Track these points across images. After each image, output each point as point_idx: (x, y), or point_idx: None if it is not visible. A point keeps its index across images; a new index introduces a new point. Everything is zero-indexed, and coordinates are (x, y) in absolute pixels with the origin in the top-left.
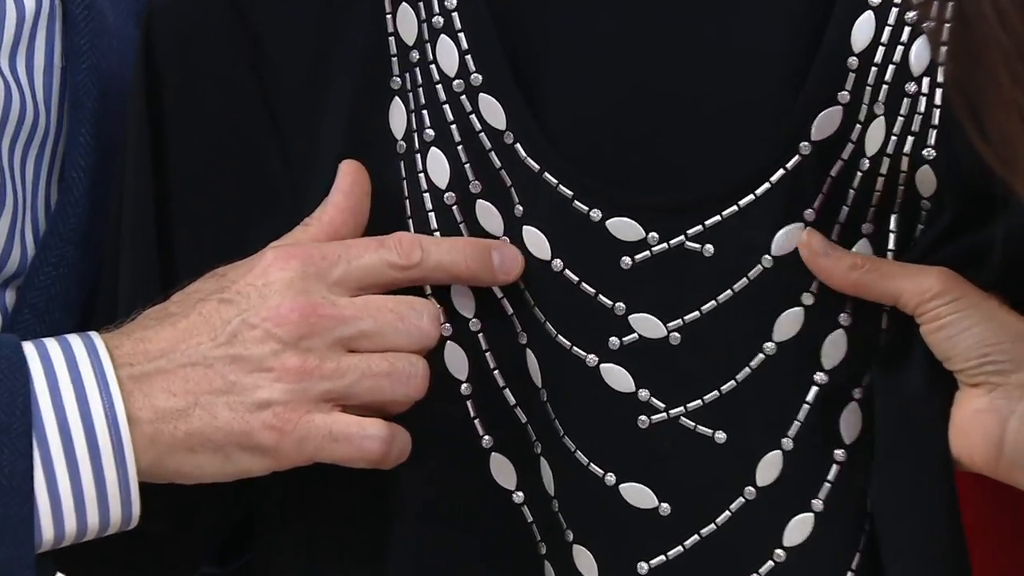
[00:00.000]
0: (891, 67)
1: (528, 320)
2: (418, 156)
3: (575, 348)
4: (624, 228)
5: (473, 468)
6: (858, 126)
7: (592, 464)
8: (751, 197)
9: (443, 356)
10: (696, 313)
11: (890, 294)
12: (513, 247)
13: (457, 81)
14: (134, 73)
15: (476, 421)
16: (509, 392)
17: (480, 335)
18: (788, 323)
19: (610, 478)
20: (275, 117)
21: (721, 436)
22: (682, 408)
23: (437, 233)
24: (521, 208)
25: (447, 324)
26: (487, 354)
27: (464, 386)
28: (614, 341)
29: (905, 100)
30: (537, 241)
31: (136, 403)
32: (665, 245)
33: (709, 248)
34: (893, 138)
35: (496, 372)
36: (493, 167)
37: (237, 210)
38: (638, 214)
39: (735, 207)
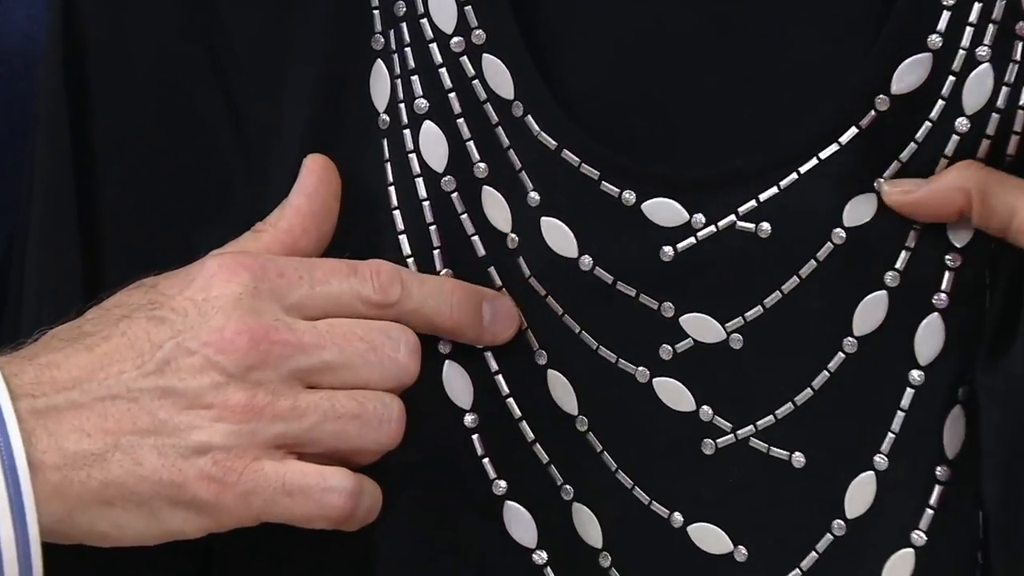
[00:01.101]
0: (1000, 1)
1: (553, 334)
2: (407, 133)
3: (621, 362)
4: (663, 211)
5: (482, 521)
6: (951, 78)
7: (655, 503)
8: (814, 162)
9: (440, 379)
10: (758, 308)
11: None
12: (510, 303)
13: (456, 39)
14: (47, 38)
15: (485, 461)
16: (527, 425)
17: (487, 354)
18: (870, 311)
19: (677, 518)
20: (227, 88)
21: (800, 459)
22: (751, 427)
23: (432, 228)
24: (537, 195)
25: (445, 341)
26: (497, 378)
27: (468, 417)
28: (666, 350)
29: (1019, 44)
30: (559, 235)
31: (40, 444)
32: (713, 228)
33: (766, 227)
34: (1004, 90)
35: (510, 400)
36: (500, 146)
37: (179, 204)
38: (679, 193)
39: (794, 175)
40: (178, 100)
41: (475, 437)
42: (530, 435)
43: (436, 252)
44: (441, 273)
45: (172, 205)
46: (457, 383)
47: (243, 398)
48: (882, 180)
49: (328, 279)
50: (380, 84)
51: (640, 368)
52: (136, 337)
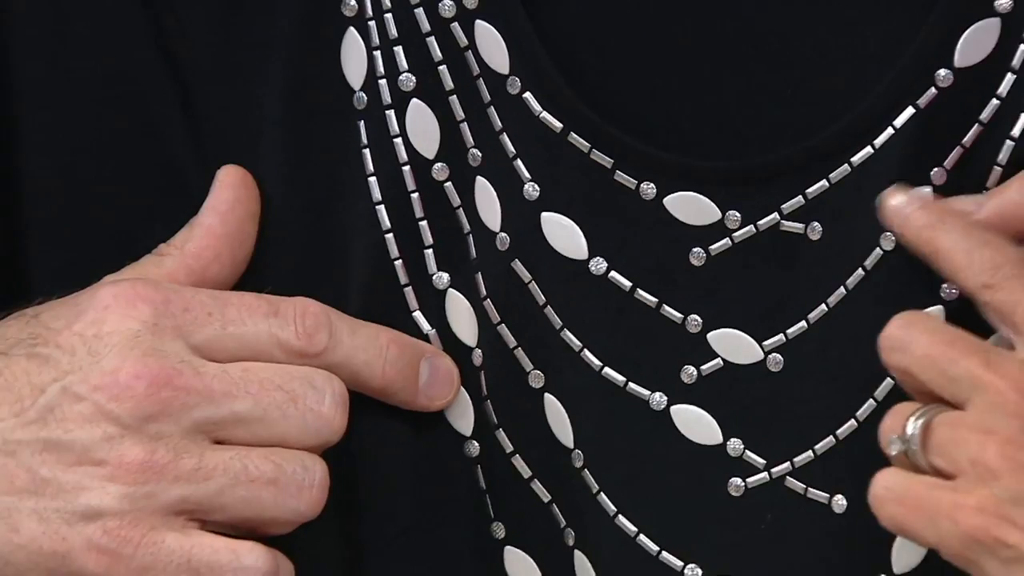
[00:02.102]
0: None
1: (549, 351)
2: (391, 113)
3: (632, 385)
4: (692, 207)
5: (481, 569)
6: (1022, 47)
7: (665, 553)
8: (868, 151)
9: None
10: (802, 324)
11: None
12: (450, 363)
13: (446, 2)
14: None
15: (487, 497)
16: (521, 460)
17: (482, 374)
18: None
19: (692, 573)
20: (174, 63)
21: (841, 502)
22: (788, 464)
23: (423, 224)
24: (535, 188)
25: (447, 359)
26: (487, 403)
27: (470, 445)
28: (689, 372)
29: None
30: (565, 234)
31: None
32: (751, 228)
33: (816, 227)
34: None
35: (500, 432)
36: (493, 129)
37: (116, 201)
38: (709, 186)
39: (846, 167)
40: (115, 78)
41: (479, 469)
42: (526, 471)
43: (429, 253)
44: (436, 278)
45: (109, 203)
46: (457, 405)
47: (140, 454)
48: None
49: (243, 318)
50: (354, 56)
51: (656, 393)
52: (13, 378)
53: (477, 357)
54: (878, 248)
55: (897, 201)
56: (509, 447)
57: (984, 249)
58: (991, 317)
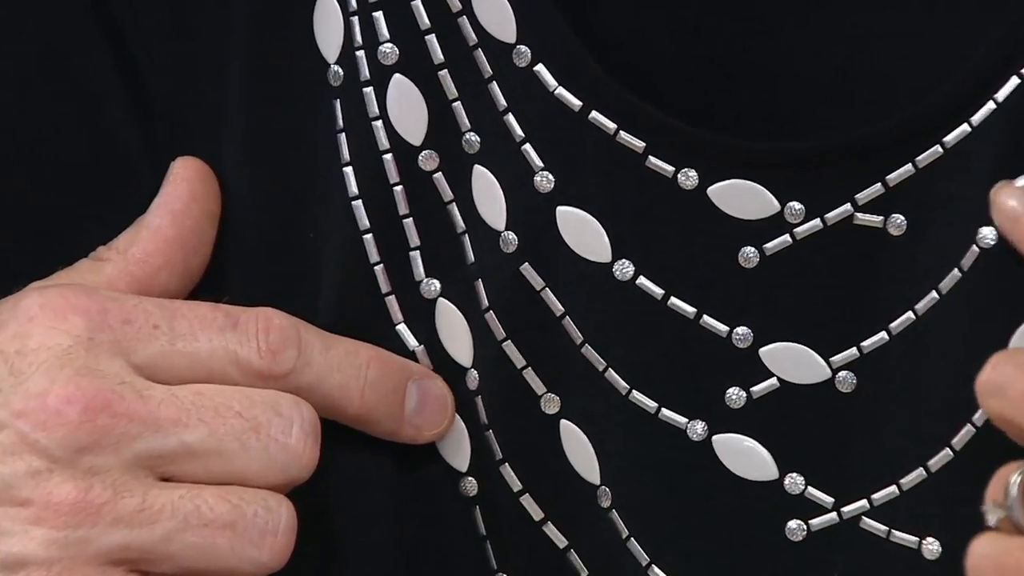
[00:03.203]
0: None
1: (568, 371)
2: (369, 91)
3: (665, 412)
4: (743, 198)
5: None
6: None
7: None
8: (965, 129)
9: None
10: (881, 336)
11: None
12: (442, 386)
13: None
14: None
15: (488, 544)
16: (532, 500)
17: (478, 399)
18: None
19: None
20: (116, 32)
21: (934, 547)
22: (864, 502)
23: (408, 222)
24: (550, 177)
25: (439, 381)
26: (488, 434)
27: (467, 482)
28: (736, 395)
29: None
30: (584, 232)
31: None
32: (818, 222)
33: (899, 221)
34: None
35: (506, 467)
36: (495, 109)
37: (47, 195)
38: (766, 173)
39: (937, 148)
40: (50, 53)
41: (477, 511)
42: (538, 512)
43: (415, 256)
44: (424, 286)
45: (37, 194)
46: (453, 436)
47: (72, 492)
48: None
49: (195, 332)
50: (329, 24)
51: (695, 421)
52: None
53: (472, 380)
54: (975, 246)
55: (1008, 197)
56: (517, 485)
57: None
58: None
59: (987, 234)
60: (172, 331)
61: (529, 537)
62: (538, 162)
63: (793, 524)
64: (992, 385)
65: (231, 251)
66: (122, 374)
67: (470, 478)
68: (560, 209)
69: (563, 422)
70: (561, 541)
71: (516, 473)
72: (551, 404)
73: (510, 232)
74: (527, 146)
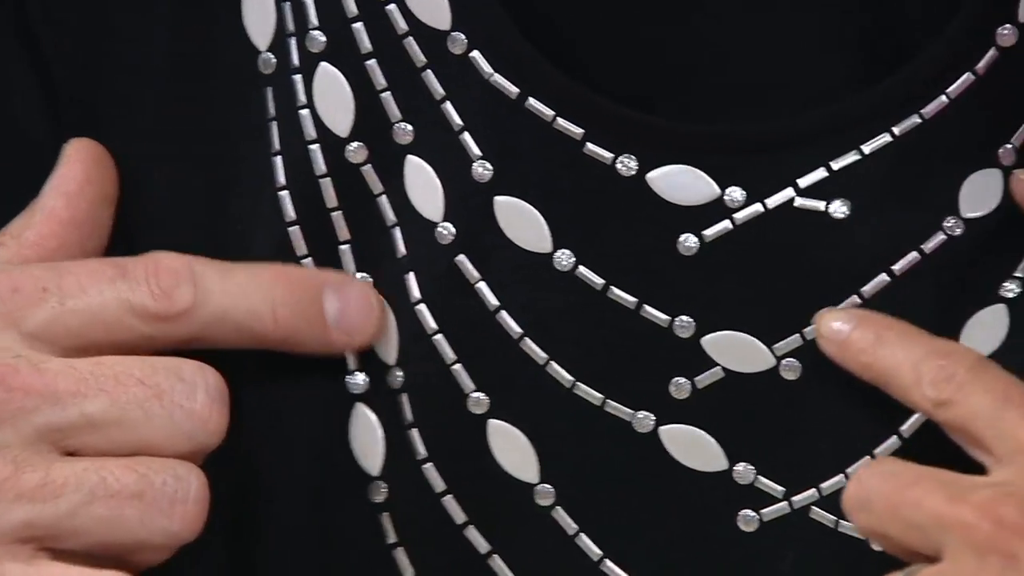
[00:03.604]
0: None
1: (503, 366)
2: (298, 79)
3: (611, 404)
4: (683, 184)
5: None
6: None
7: None
8: (915, 120)
9: (347, 431)
10: None
11: None
12: (363, 287)
13: None
14: None
15: (398, 552)
16: (454, 502)
17: (403, 397)
18: (982, 331)
19: None
20: (26, 23)
21: None
22: (813, 491)
23: (336, 215)
24: (488, 167)
25: (359, 373)
26: (411, 433)
27: (377, 487)
28: (681, 385)
29: None
30: (524, 222)
31: None
32: (759, 207)
33: (840, 208)
34: None
35: (429, 467)
36: (431, 97)
37: None
38: (706, 157)
39: (886, 136)
40: None
41: (386, 518)
42: (460, 515)
43: (344, 249)
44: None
45: None
46: (364, 437)
47: None
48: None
49: (84, 288)
50: (260, 10)
51: (641, 413)
52: None
53: (396, 379)
54: (941, 233)
55: (832, 324)
56: (440, 486)
57: (932, 360)
58: (956, 439)
59: (951, 222)
60: (61, 291)
61: (449, 542)
62: (476, 151)
63: (744, 514)
64: (857, 500)
65: (156, 244)
66: (15, 347)
67: (380, 483)
68: (498, 199)
69: (491, 421)
70: (483, 546)
71: (440, 473)
72: (478, 404)
73: (447, 223)
74: (465, 135)
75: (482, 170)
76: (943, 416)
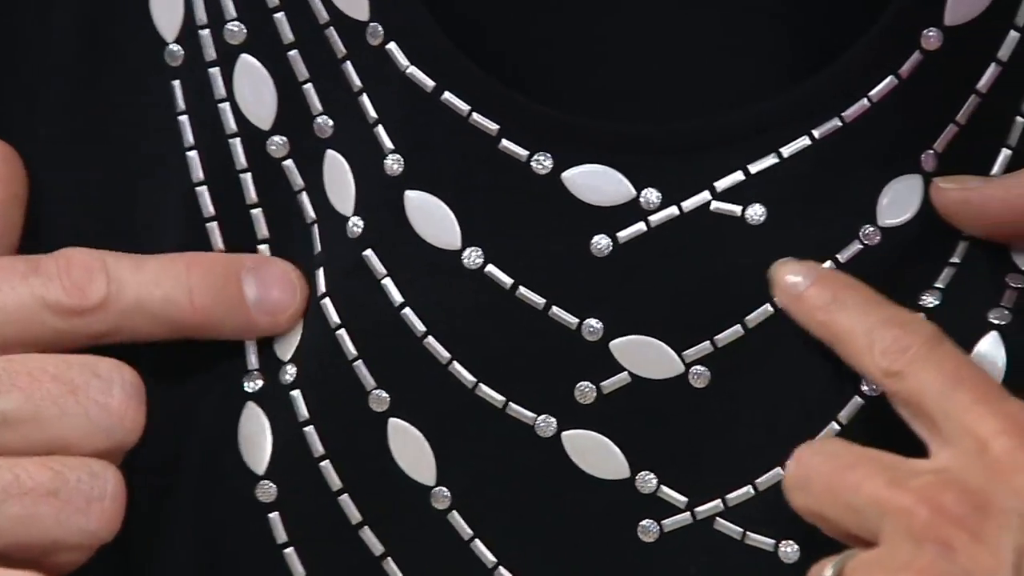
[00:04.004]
0: None
1: (404, 365)
2: (215, 72)
3: (513, 406)
4: (598, 184)
5: None
6: None
7: None
8: (835, 124)
9: (236, 431)
10: (736, 329)
11: None
12: (281, 265)
13: None
14: None
15: (288, 553)
16: (350, 501)
17: (296, 393)
18: None
19: None
20: None
21: (791, 550)
22: (718, 502)
23: (256, 212)
24: (399, 160)
25: (256, 372)
26: (307, 430)
27: (264, 486)
28: (587, 389)
29: None
30: (434, 218)
31: None
32: (675, 210)
33: (758, 211)
34: None
35: (326, 464)
36: (349, 90)
37: None
38: (623, 158)
39: (805, 139)
40: None
41: (276, 518)
42: (355, 515)
43: (264, 249)
44: None
45: None
46: (253, 436)
47: None
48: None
49: None
50: (167, 1)
51: (543, 416)
52: None
53: (288, 374)
54: (857, 242)
55: (788, 276)
56: (336, 484)
57: (887, 328)
58: (901, 412)
59: (868, 230)
60: None
61: (342, 543)
62: (389, 144)
63: (646, 524)
64: (796, 480)
65: (63, 246)
66: None
67: (267, 482)
68: (408, 193)
69: (392, 420)
70: (377, 548)
71: (337, 471)
72: (379, 402)
73: (357, 217)
74: (379, 128)
75: (394, 164)
76: (892, 387)
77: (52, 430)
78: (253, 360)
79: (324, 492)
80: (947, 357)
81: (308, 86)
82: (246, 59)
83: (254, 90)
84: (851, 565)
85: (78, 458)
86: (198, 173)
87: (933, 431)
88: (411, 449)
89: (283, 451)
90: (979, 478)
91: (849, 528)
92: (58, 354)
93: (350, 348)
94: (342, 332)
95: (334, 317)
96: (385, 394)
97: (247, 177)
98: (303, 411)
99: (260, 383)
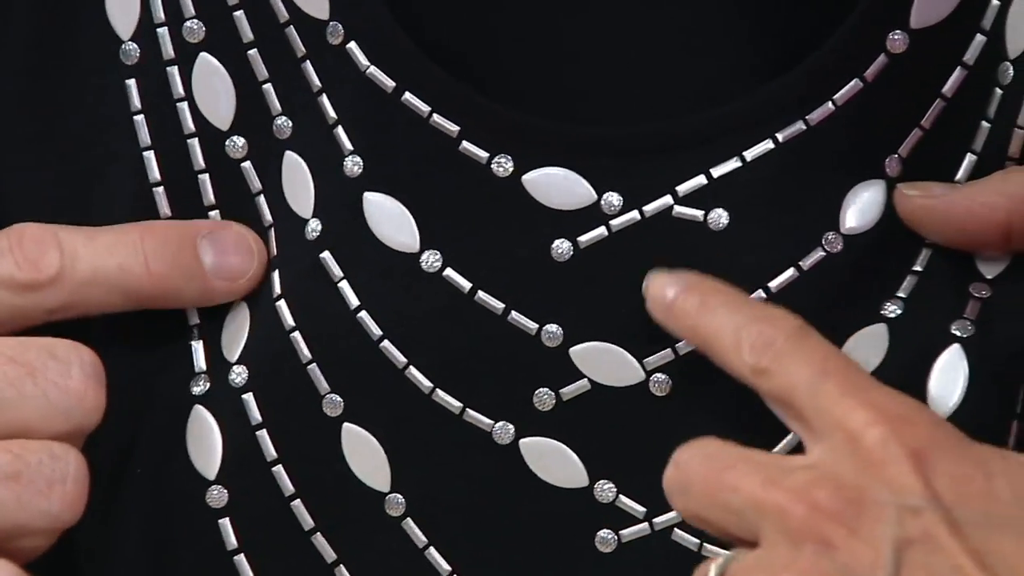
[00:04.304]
0: None
1: (360, 370)
2: (174, 71)
3: (470, 412)
4: (559, 187)
5: None
6: (994, 2)
7: None
8: (799, 127)
9: (184, 435)
10: None
11: None
12: (238, 228)
13: None
14: None
15: (238, 560)
16: (303, 506)
17: (248, 396)
18: (861, 351)
19: None
20: None
21: None
22: (676, 513)
23: (215, 215)
24: (359, 162)
25: (203, 374)
26: (259, 434)
27: (214, 491)
28: (546, 396)
29: None
30: (392, 220)
31: None
32: (636, 214)
33: (720, 216)
34: None
35: (279, 469)
36: (309, 90)
37: None
38: (584, 160)
39: (768, 143)
40: None
41: (226, 523)
42: (308, 521)
43: None
44: None
45: None
46: (201, 440)
47: None
48: (897, 187)
49: None
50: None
51: (501, 423)
52: None
53: (239, 375)
54: (821, 249)
55: (657, 287)
56: (289, 489)
57: (753, 325)
58: (776, 411)
59: (830, 236)
60: None
61: (294, 549)
62: (348, 145)
63: (603, 534)
64: (676, 484)
65: None
66: None
67: (218, 487)
68: (367, 195)
69: (346, 425)
70: (329, 555)
71: (290, 476)
72: (333, 406)
73: (316, 220)
74: (338, 129)
75: (353, 166)
76: (763, 386)
77: (11, 413)
78: (200, 362)
79: (276, 497)
80: (814, 349)
81: (267, 86)
82: (205, 58)
83: (213, 90)
84: (732, 568)
85: (38, 441)
86: (155, 174)
87: (806, 427)
88: (365, 455)
89: (234, 455)
90: (852, 472)
91: (730, 531)
92: (15, 337)
93: (304, 351)
94: (296, 335)
95: (289, 320)
96: (339, 399)
97: (205, 178)
98: (256, 415)
99: (207, 385)
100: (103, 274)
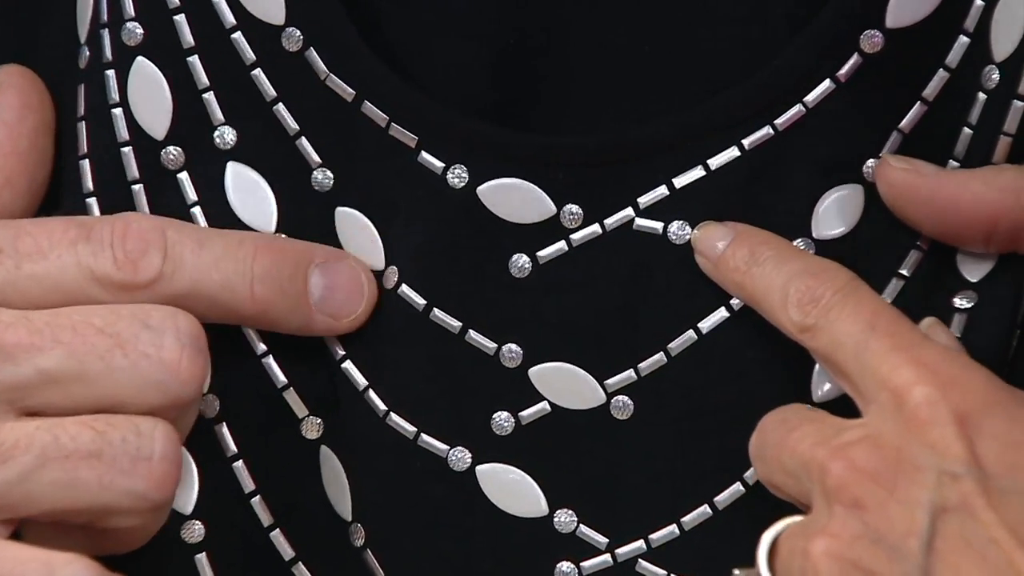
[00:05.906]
0: None
1: (327, 392)
2: (111, 74)
3: (425, 437)
4: (515, 200)
5: None
6: (978, 2)
7: None
8: (767, 132)
9: None
10: (660, 357)
11: None
12: (353, 263)
13: None
14: None
15: None
16: (282, 537)
17: (223, 427)
18: None
19: None
20: None
21: None
22: (640, 543)
23: None
24: (329, 175)
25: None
26: (236, 465)
27: (190, 526)
28: (503, 420)
29: None
30: (362, 237)
31: None
32: (597, 228)
33: (680, 230)
34: None
35: (257, 500)
36: (262, 99)
37: None
38: (541, 171)
39: (734, 150)
40: None
41: (202, 560)
42: (288, 551)
43: None
44: None
45: None
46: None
47: None
48: (884, 157)
49: (43, 250)
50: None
51: (457, 449)
52: None
53: (212, 406)
54: None
55: (706, 240)
56: (268, 519)
57: (801, 280)
58: (827, 371)
59: (805, 248)
60: (17, 252)
61: None
62: (315, 158)
63: (563, 566)
64: (754, 449)
65: None
66: None
67: (195, 522)
68: (339, 210)
69: (324, 448)
70: None
71: (269, 506)
72: (312, 428)
73: (281, 236)
74: (302, 140)
75: (323, 178)
76: (809, 343)
77: (100, 387)
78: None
79: (255, 530)
80: (862, 304)
81: (209, 94)
82: (141, 62)
83: (148, 96)
84: (785, 535)
85: (125, 416)
86: (88, 183)
87: (855, 389)
88: (335, 481)
89: (211, 489)
90: (894, 432)
91: (792, 494)
92: (107, 305)
93: (279, 375)
94: (269, 359)
95: (260, 345)
96: (318, 420)
97: (139, 188)
98: (231, 446)
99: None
100: (203, 289)
